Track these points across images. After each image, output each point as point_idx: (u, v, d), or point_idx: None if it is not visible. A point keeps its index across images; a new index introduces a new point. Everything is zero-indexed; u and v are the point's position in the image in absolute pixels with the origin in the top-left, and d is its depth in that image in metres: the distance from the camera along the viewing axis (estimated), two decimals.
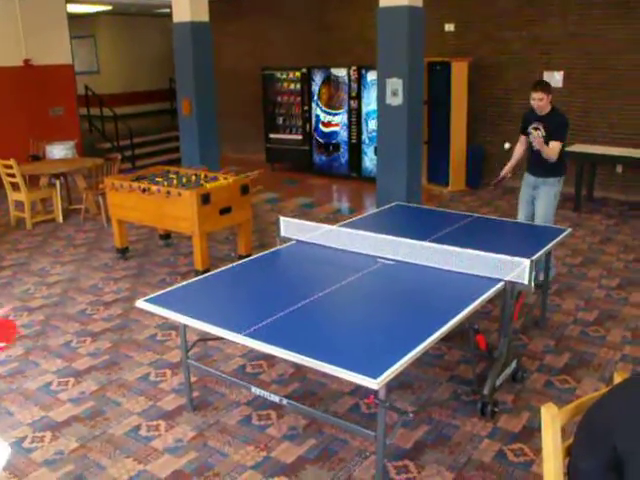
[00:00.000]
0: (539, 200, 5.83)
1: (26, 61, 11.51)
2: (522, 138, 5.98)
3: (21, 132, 11.13)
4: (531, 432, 3.75)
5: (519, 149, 6.07)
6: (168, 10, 11.02)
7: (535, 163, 5.85)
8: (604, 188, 9.36)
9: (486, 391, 3.87)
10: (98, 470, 3.49)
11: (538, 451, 3.50)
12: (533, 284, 3.78)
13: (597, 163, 9.00)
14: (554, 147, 5.57)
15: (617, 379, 2.29)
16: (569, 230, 5.08)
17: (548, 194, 5.79)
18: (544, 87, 5.62)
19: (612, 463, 1.87)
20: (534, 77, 9.59)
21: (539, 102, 5.59)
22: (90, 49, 16.84)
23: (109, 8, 14.51)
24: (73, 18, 13.13)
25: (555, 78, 9.42)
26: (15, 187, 8.42)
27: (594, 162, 8.94)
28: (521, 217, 6.01)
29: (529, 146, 5.85)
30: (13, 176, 8.26)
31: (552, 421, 2.09)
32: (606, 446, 1.88)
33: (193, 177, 6.84)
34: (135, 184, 6.51)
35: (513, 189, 7.34)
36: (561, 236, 4.88)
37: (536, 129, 5.67)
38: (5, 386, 4.45)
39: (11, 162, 8.15)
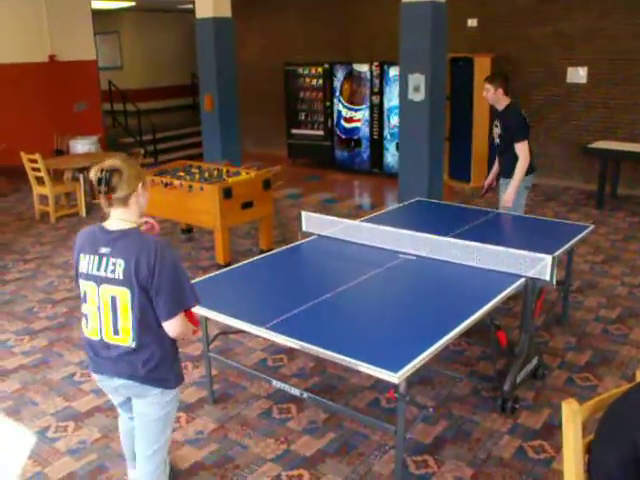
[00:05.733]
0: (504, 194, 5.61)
1: (51, 57, 11.64)
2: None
3: (46, 127, 11.27)
4: (551, 429, 3.74)
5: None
6: (191, 6, 11.05)
7: (501, 163, 5.74)
8: (628, 186, 9.24)
9: (507, 387, 3.86)
10: (120, 460, 3.52)
11: (558, 448, 3.48)
12: (555, 281, 3.77)
13: (621, 160, 8.89)
14: (520, 149, 5.42)
15: None
16: (591, 227, 5.04)
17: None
18: (489, 79, 5.52)
19: (633, 457, 1.87)
20: (558, 73, 9.53)
21: (486, 93, 5.51)
22: (114, 45, 16.97)
23: (133, 4, 14.61)
24: (97, 14, 13.25)
25: (579, 74, 9.36)
26: (40, 181, 8.52)
27: (618, 159, 8.83)
28: None
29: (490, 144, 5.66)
30: (38, 170, 8.35)
31: (573, 416, 2.08)
32: (628, 440, 1.87)
33: (215, 172, 6.87)
34: (157, 178, 6.56)
35: (534, 185, 7.27)
36: (583, 233, 4.84)
37: (496, 126, 5.60)
38: (30, 377, 4.52)
39: (36, 156, 8.25)
